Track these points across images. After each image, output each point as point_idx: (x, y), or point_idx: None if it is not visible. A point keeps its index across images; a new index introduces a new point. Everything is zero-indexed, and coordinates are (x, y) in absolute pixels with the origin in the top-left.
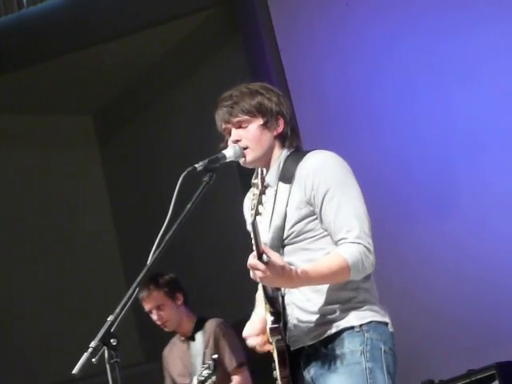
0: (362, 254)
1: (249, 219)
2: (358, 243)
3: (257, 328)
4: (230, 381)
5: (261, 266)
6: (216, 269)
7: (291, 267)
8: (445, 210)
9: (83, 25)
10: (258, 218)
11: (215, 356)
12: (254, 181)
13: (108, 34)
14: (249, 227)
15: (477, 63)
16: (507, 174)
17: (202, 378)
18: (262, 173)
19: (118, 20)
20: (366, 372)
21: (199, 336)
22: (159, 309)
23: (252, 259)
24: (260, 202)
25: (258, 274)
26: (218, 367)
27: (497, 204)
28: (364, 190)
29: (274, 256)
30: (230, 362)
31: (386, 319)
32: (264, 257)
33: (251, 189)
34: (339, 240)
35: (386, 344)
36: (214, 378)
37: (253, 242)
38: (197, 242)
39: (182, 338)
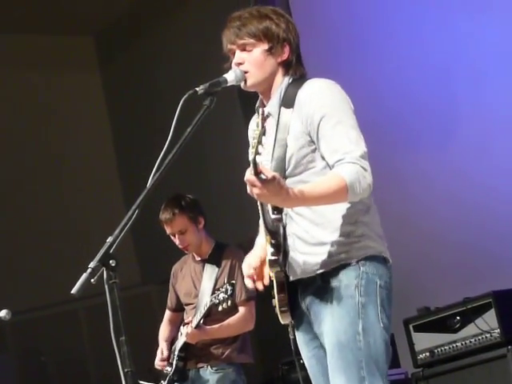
0: (360, 173)
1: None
2: (355, 163)
3: (253, 266)
4: (237, 311)
5: (258, 182)
6: (222, 190)
7: (288, 186)
8: (445, 136)
9: None
10: (258, 157)
11: (234, 281)
12: (257, 118)
13: None
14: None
15: None
16: (508, 101)
17: (217, 301)
18: (263, 113)
19: None
20: (359, 306)
21: (216, 261)
22: (182, 233)
23: (249, 174)
24: (260, 142)
25: (255, 190)
26: (234, 293)
27: (498, 131)
28: (366, 118)
29: (272, 175)
30: (239, 293)
31: (384, 254)
32: (261, 175)
33: (255, 116)
34: (336, 161)
35: (382, 278)
36: (229, 302)
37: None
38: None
39: (198, 259)
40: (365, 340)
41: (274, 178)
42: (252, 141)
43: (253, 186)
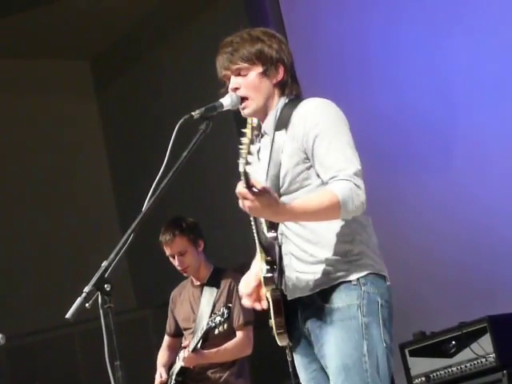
0: (353, 190)
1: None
2: (348, 180)
3: (251, 286)
4: (235, 335)
5: (249, 195)
6: (214, 215)
7: (280, 200)
8: (444, 154)
9: None
10: (249, 167)
11: (230, 305)
12: (244, 129)
13: None
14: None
15: (477, 14)
16: (506, 119)
17: (213, 324)
18: (257, 122)
19: None
20: (362, 327)
21: (214, 285)
22: (181, 254)
23: (241, 187)
24: (249, 152)
25: (247, 203)
26: (230, 317)
27: (497, 150)
28: (364, 135)
29: (262, 186)
30: (237, 317)
31: (383, 272)
32: (254, 188)
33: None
34: (330, 178)
35: (383, 297)
36: (225, 325)
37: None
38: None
39: (197, 284)
40: (370, 361)
41: (264, 189)
42: (241, 152)
43: (244, 198)
